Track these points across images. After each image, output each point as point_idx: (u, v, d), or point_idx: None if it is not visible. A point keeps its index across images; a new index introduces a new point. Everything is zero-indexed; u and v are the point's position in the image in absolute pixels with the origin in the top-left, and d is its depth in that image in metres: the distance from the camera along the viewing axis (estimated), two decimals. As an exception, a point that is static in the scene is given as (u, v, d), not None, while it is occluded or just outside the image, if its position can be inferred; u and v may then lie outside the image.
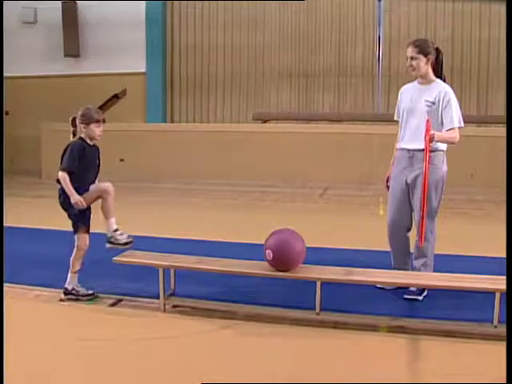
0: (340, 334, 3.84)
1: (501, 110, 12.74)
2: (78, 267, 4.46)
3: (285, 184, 10.79)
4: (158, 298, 4.26)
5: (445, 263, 4.86)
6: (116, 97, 12.92)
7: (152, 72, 13.58)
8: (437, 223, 4.52)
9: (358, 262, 4.87)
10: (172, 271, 4.38)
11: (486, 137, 11.13)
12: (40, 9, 13.77)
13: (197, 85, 13.92)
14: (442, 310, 4.21)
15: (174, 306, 4.31)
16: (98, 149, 4.57)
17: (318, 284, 3.93)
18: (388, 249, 4.71)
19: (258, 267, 4.17)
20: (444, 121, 4.34)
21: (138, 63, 13.49)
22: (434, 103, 4.36)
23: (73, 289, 4.45)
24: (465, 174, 10.47)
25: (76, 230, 4.43)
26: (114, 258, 4.40)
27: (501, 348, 3.61)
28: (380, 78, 12.46)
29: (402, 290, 4.45)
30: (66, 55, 13.69)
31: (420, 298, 4.39)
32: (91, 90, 13.09)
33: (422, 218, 4.21)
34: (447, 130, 4.33)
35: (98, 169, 4.58)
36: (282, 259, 3.96)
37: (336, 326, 3.93)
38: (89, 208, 4.45)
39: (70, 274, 4.46)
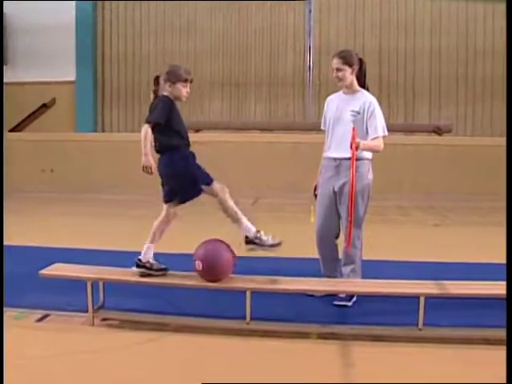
0: (270, 342, 3.84)
1: (426, 119, 13.18)
2: (158, 239, 4.23)
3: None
4: (86, 311, 4.16)
5: (373, 269, 4.96)
6: (44, 106, 12.62)
7: (82, 80, 13.34)
8: (364, 230, 4.61)
9: (288, 269, 4.92)
10: (101, 284, 4.28)
11: (413, 145, 11.48)
12: (-36, 14, 13.30)
13: (128, 93, 13.76)
14: (370, 315, 4.30)
15: (104, 320, 4.22)
16: None
17: (248, 294, 3.93)
18: (317, 256, 4.77)
19: (188, 278, 4.14)
20: (369, 130, 4.45)
21: (67, 71, 13.21)
22: (359, 113, 4.46)
23: (147, 261, 4.18)
24: (393, 181, 10.75)
25: (169, 201, 4.20)
26: (41, 272, 4.26)
27: (426, 349, 3.74)
28: (310, 87, 12.66)
29: (331, 296, 4.50)
30: (-8, 63, 13.27)
31: (349, 303, 4.46)
32: (20, 99, 12.72)
33: (350, 223, 4.28)
34: (372, 139, 4.43)
35: None
36: (212, 270, 3.94)
37: (266, 334, 3.94)
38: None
39: (147, 245, 4.19)
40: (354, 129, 4.30)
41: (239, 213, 4.22)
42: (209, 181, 4.20)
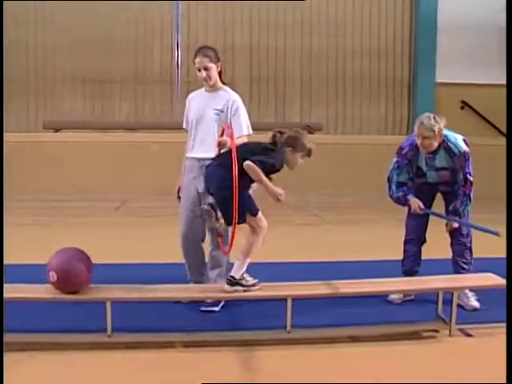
0: (134, 354, 3.77)
1: (297, 117, 13.56)
2: (252, 254, 4.05)
3: (81, 197, 10.41)
4: None
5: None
6: None
7: None
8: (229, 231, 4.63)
9: (154, 276, 4.85)
10: None
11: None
12: None
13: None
14: (238, 319, 4.36)
15: None
16: None
17: (108, 304, 3.83)
18: (183, 261, 4.75)
19: (42, 291, 3.95)
20: (233, 129, 4.48)
21: None
22: (222, 111, 4.49)
23: (242, 278, 3.99)
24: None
25: (254, 214, 3.99)
26: None
27: (295, 352, 3.85)
28: (179, 85, 12.61)
29: (199, 302, 4.50)
30: None
31: (217, 308, 4.47)
32: None
33: (234, 226, 4.22)
34: (236, 138, 4.46)
35: None
36: (68, 281, 3.78)
37: (129, 346, 3.86)
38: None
39: (240, 260, 4.02)
40: (227, 127, 4.29)
41: None
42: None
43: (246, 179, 3.91)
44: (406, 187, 4.75)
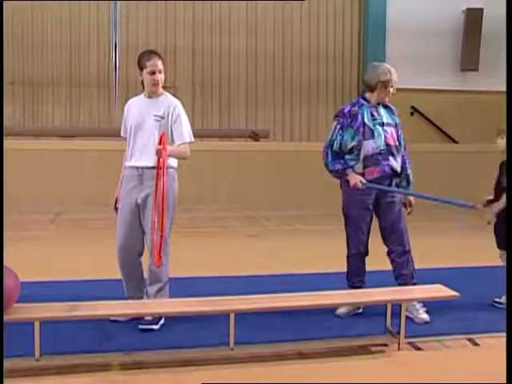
0: (65, 379, 3.68)
1: (243, 124, 13.59)
2: None
3: (10, 209, 10.13)
4: None
5: (183, 286, 5.03)
6: None
7: None
8: (171, 244, 4.62)
9: (89, 293, 4.80)
10: None
11: (230, 151, 11.75)
12: None
13: None
14: (179, 337, 4.30)
15: None
16: None
17: (37, 324, 3.74)
18: (120, 276, 4.69)
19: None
20: (174, 136, 4.48)
21: None
22: (163, 117, 4.47)
23: None
24: (209, 190, 10.93)
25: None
26: None
27: (239, 370, 3.83)
28: (117, 89, 12.48)
29: (137, 320, 4.44)
30: None
31: (156, 327, 4.42)
32: None
33: (161, 238, 4.24)
34: (178, 145, 4.47)
35: None
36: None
37: (61, 371, 3.76)
38: None
39: None
40: (163, 133, 4.29)
41: None
42: None
43: None
44: (343, 160, 4.76)
